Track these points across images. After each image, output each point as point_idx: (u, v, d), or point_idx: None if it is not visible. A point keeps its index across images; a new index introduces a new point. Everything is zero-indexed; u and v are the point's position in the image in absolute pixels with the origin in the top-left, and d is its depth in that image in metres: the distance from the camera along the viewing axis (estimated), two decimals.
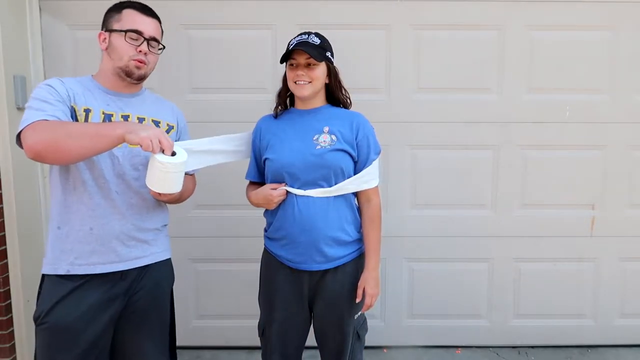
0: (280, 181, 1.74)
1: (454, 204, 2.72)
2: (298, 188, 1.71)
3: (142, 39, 1.53)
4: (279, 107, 1.86)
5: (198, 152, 1.68)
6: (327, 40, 1.81)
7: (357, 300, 1.80)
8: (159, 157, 1.39)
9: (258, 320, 1.93)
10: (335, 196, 1.73)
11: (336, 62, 1.87)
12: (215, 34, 2.59)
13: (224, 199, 2.66)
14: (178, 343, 2.80)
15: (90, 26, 2.55)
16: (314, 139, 1.72)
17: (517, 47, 2.62)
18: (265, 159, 1.77)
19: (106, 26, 1.55)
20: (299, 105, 1.83)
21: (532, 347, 2.83)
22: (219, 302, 2.77)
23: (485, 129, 2.66)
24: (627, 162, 2.70)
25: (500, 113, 2.66)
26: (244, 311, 2.69)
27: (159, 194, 1.51)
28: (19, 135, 1.40)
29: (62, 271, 1.51)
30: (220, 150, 1.78)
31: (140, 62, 1.54)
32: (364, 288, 1.78)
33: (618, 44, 2.62)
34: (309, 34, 1.77)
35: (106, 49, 1.55)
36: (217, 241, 2.71)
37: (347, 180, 1.73)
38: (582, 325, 2.82)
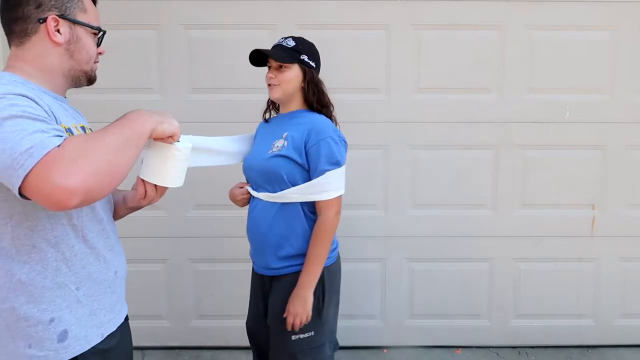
0: (249, 182, 1.84)
1: (454, 204, 2.71)
2: (254, 190, 1.78)
3: (100, 36, 1.24)
4: (267, 112, 1.89)
5: (198, 150, 1.58)
6: (309, 45, 1.76)
7: (284, 315, 1.68)
8: (178, 144, 1.18)
9: None
10: (282, 204, 1.69)
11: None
12: (215, 34, 2.59)
13: (224, 199, 2.64)
14: (178, 343, 2.82)
15: None
16: (272, 143, 1.73)
17: (517, 47, 2.62)
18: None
19: (63, 11, 1.13)
20: (280, 109, 1.85)
21: (532, 347, 2.82)
22: (219, 302, 2.77)
23: (485, 129, 2.66)
24: (627, 162, 2.70)
25: (500, 113, 2.66)
26: (244, 311, 2.67)
27: (150, 195, 1.23)
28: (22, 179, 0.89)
29: (97, 338, 1.16)
30: (221, 151, 1.75)
31: (97, 63, 1.26)
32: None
33: (618, 44, 2.62)
34: (287, 37, 1.75)
35: (67, 43, 1.14)
36: (217, 241, 2.71)
37: (292, 189, 1.68)
38: (582, 325, 2.81)
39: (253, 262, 1.85)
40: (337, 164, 1.68)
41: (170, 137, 1.14)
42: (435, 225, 2.72)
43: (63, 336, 1.09)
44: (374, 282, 2.77)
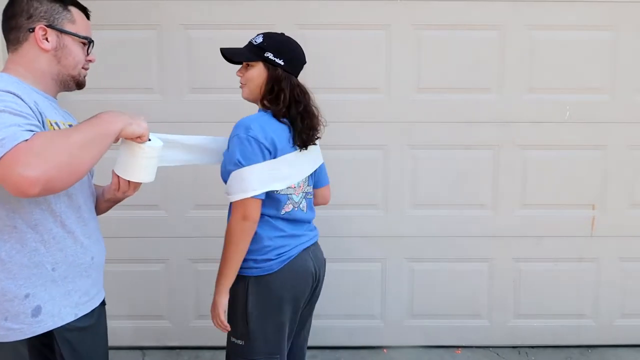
0: None
1: (454, 204, 2.71)
2: None
3: (89, 45, 1.36)
4: None
5: (175, 149, 1.56)
6: (278, 41, 1.67)
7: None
8: (149, 143, 1.27)
9: None
10: (230, 203, 1.66)
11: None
12: (215, 34, 2.58)
13: (224, 199, 2.65)
14: (178, 343, 2.82)
15: (92, 26, 2.54)
16: None
17: (517, 47, 2.62)
18: None
19: (51, 22, 1.26)
20: None
21: (532, 347, 2.82)
22: None
23: (485, 129, 2.66)
24: (627, 162, 2.70)
25: (500, 113, 2.66)
26: None
27: (123, 188, 1.32)
28: None
29: (71, 317, 1.25)
30: (200, 150, 1.69)
31: (86, 70, 1.37)
32: None
33: (618, 44, 2.62)
34: (259, 34, 1.69)
35: (54, 50, 1.27)
36: (217, 241, 2.68)
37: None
38: (582, 325, 2.81)
39: None
40: (237, 164, 1.55)
41: (139, 137, 1.22)
42: (435, 225, 2.72)
43: (36, 311, 1.19)
44: (374, 282, 2.77)
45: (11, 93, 1.10)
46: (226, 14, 2.57)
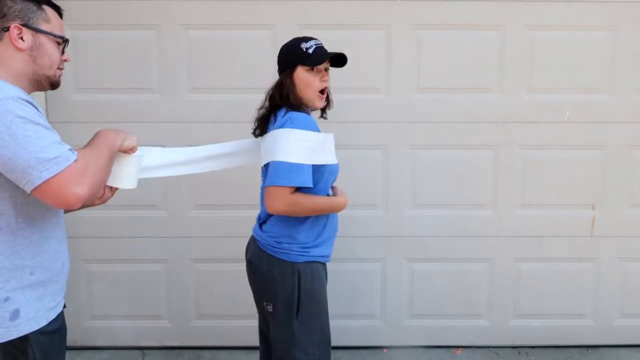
0: (329, 187, 1.81)
1: (454, 204, 2.71)
2: None
3: (63, 45, 1.35)
4: None
5: (161, 160, 1.61)
6: None
7: None
8: (136, 154, 1.37)
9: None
10: None
11: None
12: (215, 34, 2.59)
13: (224, 199, 2.66)
14: (178, 343, 2.82)
15: (92, 26, 2.56)
16: None
17: (517, 47, 2.62)
18: (323, 165, 1.73)
19: (26, 21, 1.25)
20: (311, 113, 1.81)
21: (532, 347, 2.82)
22: (219, 302, 2.77)
23: (485, 129, 2.66)
24: (627, 162, 2.70)
25: (500, 113, 2.66)
26: (244, 311, 2.68)
27: (107, 195, 1.38)
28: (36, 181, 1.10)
29: (44, 321, 1.26)
30: (186, 161, 1.73)
31: (61, 70, 1.36)
32: None
33: (618, 44, 2.62)
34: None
35: (30, 49, 1.25)
36: (217, 241, 2.71)
37: None
38: (582, 325, 2.81)
39: (328, 257, 1.84)
40: None
41: (131, 149, 1.33)
42: (435, 225, 2.72)
43: (14, 315, 1.20)
44: (374, 282, 2.77)
45: (28, 102, 1.15)
46: (226, 14, 2.57)
